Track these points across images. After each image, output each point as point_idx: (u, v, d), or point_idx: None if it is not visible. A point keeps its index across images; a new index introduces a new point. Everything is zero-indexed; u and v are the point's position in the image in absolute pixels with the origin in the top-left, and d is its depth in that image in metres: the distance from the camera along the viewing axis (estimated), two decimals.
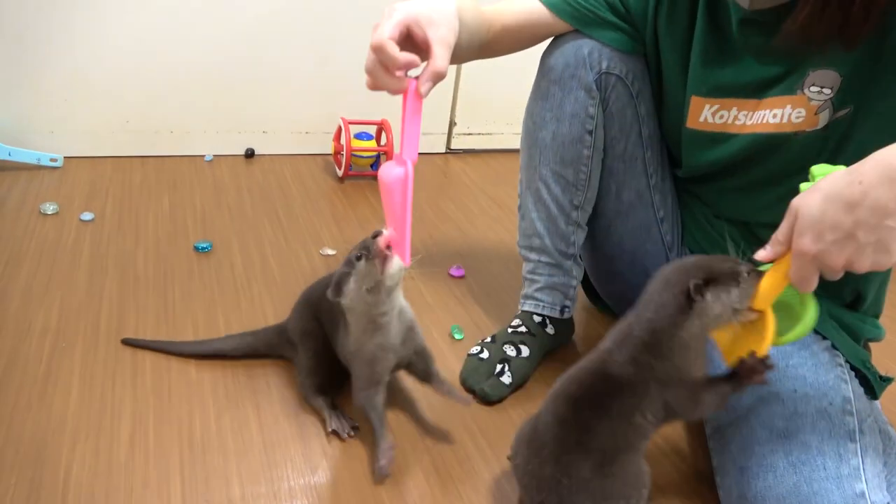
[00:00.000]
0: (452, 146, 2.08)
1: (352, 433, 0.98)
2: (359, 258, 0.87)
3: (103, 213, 1.46)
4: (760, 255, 0.75)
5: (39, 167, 1.62)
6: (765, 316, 0.76)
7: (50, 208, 1.43)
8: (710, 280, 0.76)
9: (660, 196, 1.14)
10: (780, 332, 0.76)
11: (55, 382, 0.99)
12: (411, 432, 0.99)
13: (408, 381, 1.09)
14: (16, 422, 0.92)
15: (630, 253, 1.16)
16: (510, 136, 2.13)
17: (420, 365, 0.99)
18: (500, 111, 2.08)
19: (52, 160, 1.63)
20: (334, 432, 0.97)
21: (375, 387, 0.93)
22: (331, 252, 1.43)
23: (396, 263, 0.85)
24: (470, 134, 2.09)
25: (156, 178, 1.65)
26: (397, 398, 1.05)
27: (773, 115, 0.92)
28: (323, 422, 0.98)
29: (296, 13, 1.76)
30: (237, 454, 0.91)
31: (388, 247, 0.86)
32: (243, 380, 1.05)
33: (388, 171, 0.87)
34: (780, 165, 0.95)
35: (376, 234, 0.87)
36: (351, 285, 0.88)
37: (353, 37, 1.83)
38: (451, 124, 2.05)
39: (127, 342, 1.08)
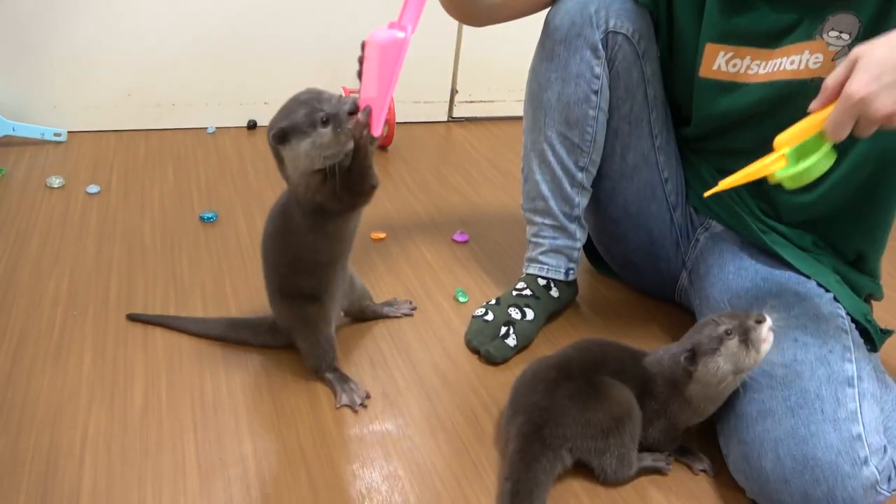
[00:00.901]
0: (454, 114, 2.07)
1: (365, 404, 0.97)
2: (325, 122, 0.81)
3: (109, 185, 1.47)
4: (813, 105, 0.77)
5: (44, 142, 1.62)
6: (781, 156, 0.77)
7: (56, 182, 1.44)
8: (697, 350, 0.85)
9: (664, 157, 1.14)
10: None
11: (68, 349, 1.01)
12: (418, 393, 1.01)
13: (413, 344, 1.10)
14: (32, 387, 0.94)
15: (634, 215, 1.16)
16: (512, 103, 2.11)
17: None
18: (501, 78, 2.07)
19: (55, 135, 1.63)
20: (346, 406, 0.96)
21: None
22: None
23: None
24: (472, 101, 2.08)
25: (159, 151, 1.66)
26: (402, 360, 1.07)
27: (791, 62, 0.92)
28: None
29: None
30: (248, 414, 0.93)
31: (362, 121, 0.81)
32: (253, 347, 1.06)
33: (381, 34, 0.81)
34: (792, 117, 0.95)
35: (353, 110, 0.80)
36: (304, 146, 0.82)
37: (354, 5, 1.82)
38: (453, 92, 2.04)
39: (132, 318, 1.08)
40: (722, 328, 0.84)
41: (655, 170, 1.14)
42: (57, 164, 1.54)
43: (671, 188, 1.15)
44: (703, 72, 1.01)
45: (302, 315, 0.98)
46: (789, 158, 0.77)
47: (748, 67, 0.96)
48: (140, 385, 0.96)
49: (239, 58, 1.78)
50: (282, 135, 0.84)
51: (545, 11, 1.09)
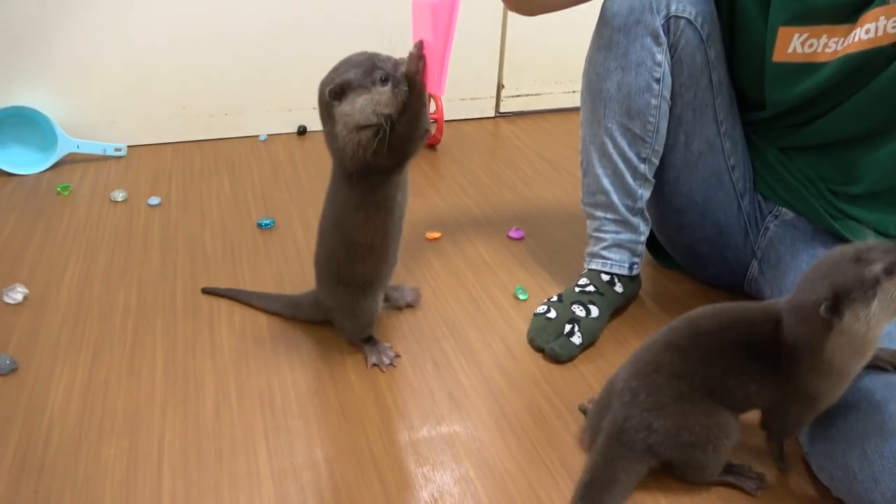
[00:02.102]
0: (501, 109, 2.05)
1: (394, 364, 1.02)
2: (384, 80, 0.81)
3: (169, 196, 1.50)
4: None
5: (106, 157, 1.67)
6: None
7: (119, 195, 1.48)
8: (842, 295, 0.68)
9: (730, 143, 1.10)
10: None
11: (141, 358, 1.03)
12: (484, 393, 1.00)
13: (475, 344, 1.09)
14: (110, 395, 0.96)
15: (700, 204, 1.13)
16: (560, 95, 2.08)
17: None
18: (548, 70, 2.04)
19: (116, 150, 1.68)
20: (375, 366, 1.02)
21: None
22: None
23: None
24: (519, 96, 2.05)
25: (214, 160, 1.69)
26: (466, 360, 1.06)
27: (866, 31, 0.87)
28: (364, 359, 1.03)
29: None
30: (316, 418, 0.94)
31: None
32: (315, 347, 1.07)
33: None
34: (867, 84, 0.91)
35: (414, 69, 0.80)
36: (360, 101, 0.83)
37: (400, 7, 1.82)
38: (499, 87, 2.02)
39: (206, 291, 1.17)
40: (878, 267, 0.67)
41: (721, 157, 1.09)
42: (119, 178, 1.58)
43: (738, 175, 1.11)
44: (777, 56, 0.96)
45: (352, 301, 1.00)
46: None
47: (825, 46, 0.92)
48: (210, 392, 0.97)
49: (286, 64, 1.80)
50: (339, 90, 0.84)
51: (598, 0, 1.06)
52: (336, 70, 0.88)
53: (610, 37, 1.03)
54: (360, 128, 0.86)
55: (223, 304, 1.16)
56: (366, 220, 0.94)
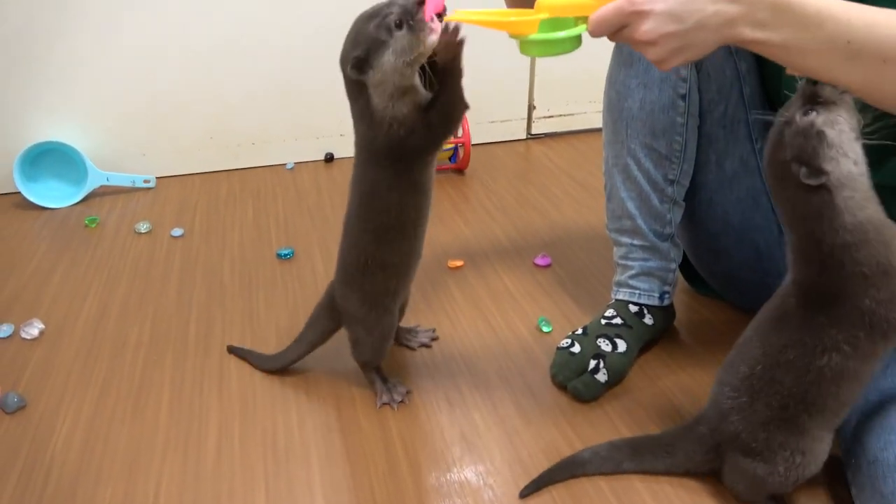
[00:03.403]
0: (533, 131, 1.99)
1: (406, 401, 0.98)
2: (399, 25, 0.76)
3: (192, 227, 1.50)
4: None
5: (135, 189, 1.69)
6: (535, 21, 0.71)
7: (143, 227, 1.49)
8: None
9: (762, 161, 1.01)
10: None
11: (147, 395, 1.01)
12: (499, 435, 0.93)
13: (492, 379, 1.02)
14: (112, 435, 0.94)
15: (736, 227, 1.04)
16: (593, 114, 2.01)
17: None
18: (580, 90, 1.97)
19: (145, 181, 1.70)
20: (385, 405, 0.97)
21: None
22: None
23: (437, 34, 0.76)
24: (551, 116, 1.99)
25: (240, 190, 1.69)
26: (481, 397, 0.99)
27: None
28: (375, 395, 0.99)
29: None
30: (320, 462, 0.89)
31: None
32: (325, 385, 1.02)
33: None
34: None
35: (421, 1, 0.76)
36: (386, 60, 0.77)
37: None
38: (531, 108, 1.97)
39: (232, 350, 1.09)
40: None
41: (757, 176, 1.01)
42: (145, 210, 1.59)
43: None
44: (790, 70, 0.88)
45: (374, 294, 0.94)
46: (541, 27, 0.71)
47: None
48: (214, 431, 0.94)
49: (313, 92, 1.79)
50: (360, 61, 0.78)
51: None
52: (347, 40, 0.83)
53: (630, 53, 0.96)
54: (398, 95, 0.80)
55: (234, 340, 1.13)
56: (399, 200, 0.88)
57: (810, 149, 0.65)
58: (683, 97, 0.96)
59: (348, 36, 0.83)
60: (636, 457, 0.86)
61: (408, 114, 0.82)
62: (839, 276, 0.68)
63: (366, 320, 0.96)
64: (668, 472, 0.86)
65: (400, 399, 0.98)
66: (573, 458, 0.87)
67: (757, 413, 0.76)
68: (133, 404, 0.99)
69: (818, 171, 0.65)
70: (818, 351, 0.70)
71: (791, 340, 0.73)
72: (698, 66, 0.96)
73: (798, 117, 0.66)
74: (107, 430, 0.94)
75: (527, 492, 0.84)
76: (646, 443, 0.87)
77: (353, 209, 0.94)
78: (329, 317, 1.01)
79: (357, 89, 0.83)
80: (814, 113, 0.65)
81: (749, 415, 0.76)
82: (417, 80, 0.82)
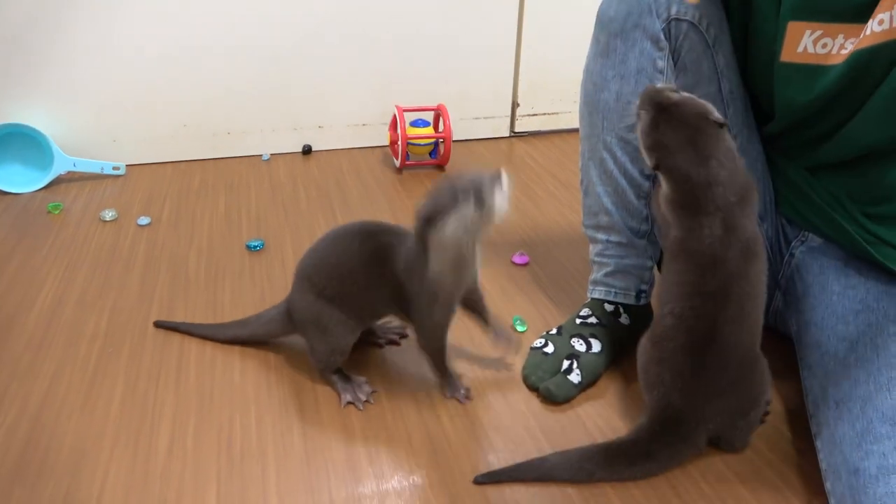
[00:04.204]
0: (517, 129, 1.96)
1: (371, 400, 0.94)
2: (466, 195, 0.78)
3: (160, 217, 1.45)
4: None
5: (103, 176, 1.64)
6: None
7: (108, 215, 1.43)
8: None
9: (747, 160, 0.98)
10: None
11: (99, 389, 0.96)
12: (467, 438, 0.89)
13: (464, 380, 0.99)
14: (58, 430, 0.89)
15: None
16: (577, 114, 1.98)
17: (475, 296, 0.96)
18: (564, 89, 1.94)
19: (114, 168, 1.64)
20: (350, 404, 0.93)
21: (446, 329, 0.89)
22: None
23: (504, 205, 0.78)
24: (534, 115, 1.96)
25: (213, 180, 1.64)
26: (451, 398, 0.96)
27: (879, 23, 0.76)
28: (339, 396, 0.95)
29: (341, 4, 1.70)
30: (276, 462, 0.85)
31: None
32: (287, 380, 0.98)
33: None
34: (877, 82, 0.79)
35: (495, 180, 0.77)
36: (450, 224, 0.78)
37: (402, 21, 1.76)
38: (514, 106, 1.93)
39: (159, 325, 1.08)
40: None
41: None
42: (113, 198, 1.54)
43: (757, 196, 0.99)
44: (785, 55, 0.85)
45: (325, 321, 0.92)
46: None
47: (840, 47, 0.80)
48: (167, 428, 0.89)
49: (292, 83, 1.75)
50: (427, 218, 0.80)
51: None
52: (427, 198, 0.84)
53: (606, 43, 0.93)
54: (454, 264, 0.83)
55: None
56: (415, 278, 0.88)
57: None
58: None
59: (429, 192, 0.84)
60: (609, 466, 0.82)
61: (449, 296, 0.87)
62: None
63: (314, 332, 0.93)
64: (646, 477, 0.83)
65: (365, 398, 0.94)
66: (542, 461, 0.83)
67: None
68: (84, 397, 0.94)
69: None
70: None
71: None
72: (675, 58, 0.92)
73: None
74: (53, 424, 0.90)
75: (483, 479, 0.81)
76: (619, 451, 0.83)
77: (354, 258, 0.91)
78: (280, 320, 0.99)
79: (421, 241, 0.84)
80: None
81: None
82: (477, 257, 0.84)
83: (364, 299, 0.91)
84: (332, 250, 0.93)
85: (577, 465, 0.82)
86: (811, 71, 0.84)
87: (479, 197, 0.77)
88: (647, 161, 0.82)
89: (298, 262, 0.97)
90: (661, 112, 0.79)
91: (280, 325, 1.00)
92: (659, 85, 0.82)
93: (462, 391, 0.95)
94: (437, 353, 0.93)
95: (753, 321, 0.81)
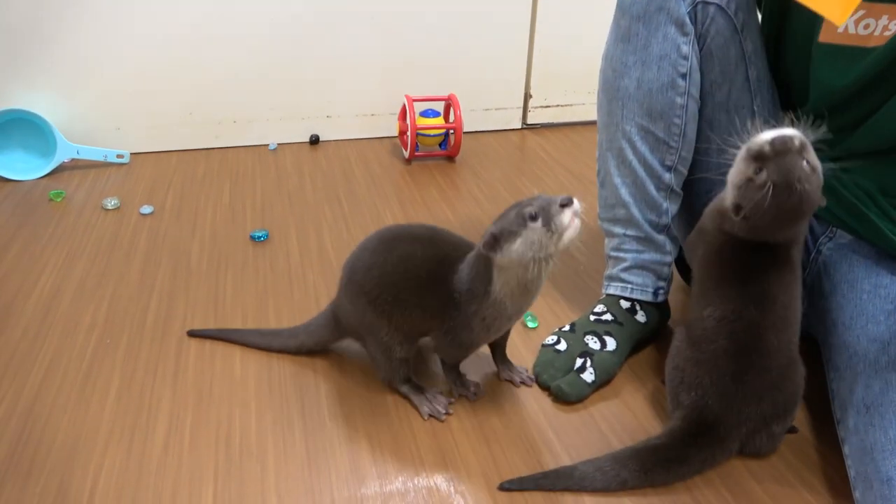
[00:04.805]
0: (529, 121, 1.91)
1: (450, 411, 0.88)
2: (533, 218, 0.74)
3: (163, 206, 1.42)
4: None
5: (107, 164, 1.61)
6: None
7: (111, 203, 1.40)
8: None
9: None
10: None
11: (95, 381, 0.93)
12: (475, 438, 0.85)
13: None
14: (51, 423, 0.86)
15: None
16: (592, 105, 1.91)
17: (501, 339, 0.92)
18: (579, 80, 1.90)
19: (118, 156, 1.61)
20: (431, 416, 0.88)
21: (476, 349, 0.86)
22: None
23: (574, 232, 0.75)
24: (547, 107, 1.92)
25: (218, 170, 1.60)
26: (459, 396, 0.92)
27: None
28: (415, 407, 0.90)
29: None
30: (276, 460, 0.81)
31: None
32: (289, 376, 0.95)
33: None
34: None
35: (566, 203, 0.74)
36: (516, 246, 0.75)
37: (412, 9, 1.71)
38: (527, 97, 1.89)
39: (193, 334, 1.02)
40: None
41: None
42: (116, 186, 1.51)
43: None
44: (824, 36, 0.81)
45: (380, 332, 0.87)
46: None
47: (885, 28, 0.76)
48: (163, 423, 0.86)
49: (300, 71, 1.71)
50: (493, 240, 0.76)
51: None
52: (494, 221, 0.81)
53: (628, 27, 0.89)
54: (519, 288, 0.79)
55: (196, 325, 1.05)
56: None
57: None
58: (684, 76, 0.88)
59: (500, 215, 0.81)
60: (645, 473, 0.78)
61: (506, 321, 0.83)
62: None
63: (373, 336, 0.88)
64: (678, 482, 0.79)
65: (444, 410, 0.88)
66: (571, 470, 0.79)
67: None
68: (78, 390, 0.91)
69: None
70: None
71: None
72: (700, 43, 0.88)
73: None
74: (46, 417, 0.86)
75: (508, 486, 0.78)
76: (653, 455, 0.79)
77: (415, 266, 0.85)
78: (330, 326, 0.95)
79: (485, 262, 0.80)
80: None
81: None
82: (542, 282, 0.79)
83: (416, 313, 0.85)
84: (389, 255, 0.86)
85: (611, 473, 0.77)
86: (850, 53, 0.79)
87: (548, 219, 0.74)
88: (731, 198, 0.77)
89: (346, 264, 0.91)
90: (784, 189, 0.71)
91: (329, 333, 0.95)
92: (795, 138, 0.72)
93: (472, 388, 0.90)
94: (457, 363, 0.90)
95: (793, 327, 0.79)
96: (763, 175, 0.71)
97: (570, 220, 0.74)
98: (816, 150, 0.93)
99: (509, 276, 0.78)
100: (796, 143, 0.70)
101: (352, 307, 0.89)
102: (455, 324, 0.82)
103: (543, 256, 0.75)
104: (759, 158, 0.71)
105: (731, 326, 0.78)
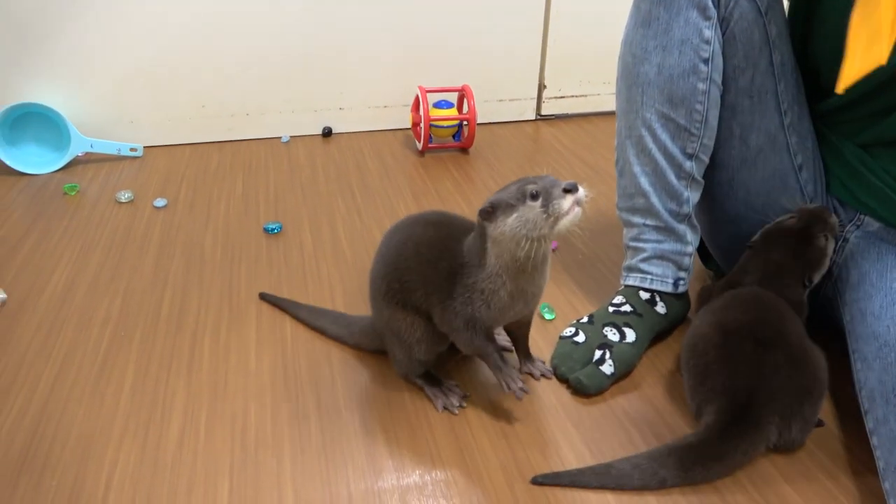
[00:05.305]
0: (543, 112, 1.89)
1: (463, 404, 0.87)
2: (534, 196, 0.73)
3: (177, 198, 1.42)
4: None
5: (121, 157, 1.61)
6: None
7: (124, 196, 1.40)
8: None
9: (797, 138, 0.91)
10: None
11: (109, 374, 0.92)
12: (492, 431, 0.84)
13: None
14: (66, 417, 0.85)
15: (760, 211, 0.94)
16: (607, 96, 1.91)
17: (522, 331, 0.89)
18: (594, 69, 1.87)
19: (132, 150, 1.61)
20: (445, 409, 0.87)
21: (489, 335, 0.82)
22: None
23: (573, 219, 0.73)
24: (562, 97, 1.89)
25: (231, 162, 1.60)
26: (473, 389, 0.91)
27: None
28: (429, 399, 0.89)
29: None
30: (292, 454, 0.80)
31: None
32: (305, 369, 0.94)
33: None
34: None
35: (570, 188, 0.72)
36: (510, 220, 0.74)
37: (428, 7, 1.69)
38: (541, 87, 1.86)
39: (264, 297, 1.07)
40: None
41: (786, 154, 0.91)
42: (130, 179, 1.51)
43: (807, 176, 0.92)
44: None
45: (395, 324, 0.86)
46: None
47: None
48: (178, 416, 0.85)
49: (312, 63, 1.70)
50: (490, 208, 0.76)
51: None
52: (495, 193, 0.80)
53: (648, 11, 0.86)
54: (511, 265, 0.77)
55: (210, 318, 1.04)
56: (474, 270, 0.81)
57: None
58: (706, 61, 0.86)
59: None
60: (685, 470, 0.76)
61: (502, 305, 0.80)
62: None
63: (390, 330, 0.87)
64: (717, 479, 0.77)
65: (458, 404, 0.87)
66: (606, 468, 0.77)
67: None
68: (93, 384, 0.91)
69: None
70: None
71: None
72: (723, 28, 0.86)
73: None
74: (61, 411, 0.86)
75: (542, 481, 0.76)
76: (692, 452, 0.76)
77: (412, 244, 0.84)
78: (364, 333, 0.95)
79: (481, 235, 0.79)
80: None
81: None
82: (540, 262, 0.78)
83: (420, 291, 0.83)
84: (390, 243, 0.87)
85: (649, 472, 0.75)
86: None
87: (548, 201, 0.72)
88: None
89: (387, 246, 0.89)
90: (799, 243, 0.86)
91: (367, 339, 0.95)
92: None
93: (518, 384, 0.82)
94: (476, 350, 0.84)
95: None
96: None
97: (569, 207, 0.72)
98: (841, 135, 0.91)
99: (502, 249, 0.76)
100: None
101: (375, 312, 0.90)
102: (456, 298, 0.80)
103: (535, 237, 0.73)
104: None
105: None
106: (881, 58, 0.69)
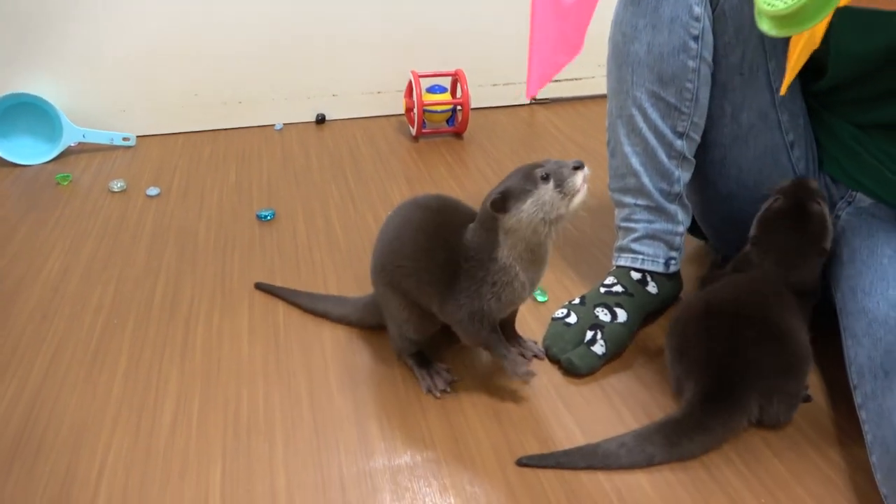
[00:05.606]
0: (538, 95, 1.88)
1: (447, 389, 0.86)
2: (545, 178, 0.73)
3: (170, 187, 1.41)
4: None
5: (113, 147, 1.60)
6: None
7: (117, 185, 1.40)
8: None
9: (788, 115, 0.91)
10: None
11: (102, 361, 0.93)
12: (484, 413, 0.84)
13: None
14: (59, 404, 0.86)
15: (752, 189, 0.94)
16: (601, 79, 1.88)
17: (510, 317, 0.90)
18: (587, 53, 1.83)
19: (124, 139, 1.61)
20: (429, 392, 0.87)
21: (494, 326, 0.82)
22: None
23: (584, 196, 0.74)
24: (557, 81, 1.88)
25: (224, 151, 1.59)
26: (467, 370, 0.91)
27: None
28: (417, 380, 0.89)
29: None
30: (285, 437, 0.81)
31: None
32: (297, 353, 0.94)
33: None
34: None
35: (578, 166, 0.73)
36: (526, 206, 0.74)
37: None
38: None
39: (259, 286, 1.07)
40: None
41: (777, 131, 0.91)
42: (122, 168, 1.50)
43: (799, 154, 0.92)
44: None
45: (388, 302, 0.87)
46: None
47: None
48: (171, 402, 0.86)
49: (305, 50, 1.69)
50: (501, 200, 0.74)
51: None
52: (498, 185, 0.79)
53: None
54: (526, 253, 0.77)
55: (203, 305, 1.04)
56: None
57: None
58: (696, 38, 0.85)
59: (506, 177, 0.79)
60: (671, 446, 0.76)
61: (518, 292, 0.79)
62: None
63: (386, 308, 0.88)
64: (704, 453, 0.78)
65: (442, 387, 0.86)
66: (594, 448, 0.77)
67: None
68: (86, 371, 0.91)
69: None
70: None
71: None
72: (714, 4, 0.85)
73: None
74: (55, 398, 0.86)
75: (527, 462, 0.76)
76: (676, 427, 0.77)
77: (411, 228, 0.84)
78: (370, 308, 0.95)
79: (489, 227, 0.78)
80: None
81: None
82: (549, 248, 0.78)
83: (413, 279, 0.83)
84: (390, 225, 0.87)
85: (636, 449, 0.76)
86: (874, 18, 0.76)
87: (561, 181, 0.72)
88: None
89: (389, 228, 0.90)
90: (797, 220, 0.84)
91: (369, 314, 0.95)
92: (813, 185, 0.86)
93: (524, 369, 0.82)
94: (481, 342, 0.84)
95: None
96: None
97: (581, 183, 0.73)
98: (839, 114, 0.90)
99: (516, 238, 0.76)
100: None
101: (376, 287, 0.90)
102: (462, 294, 0.80)
103: (553, 218, 0.73)
104: None
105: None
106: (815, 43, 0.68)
